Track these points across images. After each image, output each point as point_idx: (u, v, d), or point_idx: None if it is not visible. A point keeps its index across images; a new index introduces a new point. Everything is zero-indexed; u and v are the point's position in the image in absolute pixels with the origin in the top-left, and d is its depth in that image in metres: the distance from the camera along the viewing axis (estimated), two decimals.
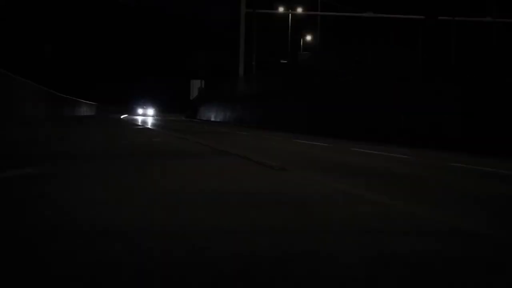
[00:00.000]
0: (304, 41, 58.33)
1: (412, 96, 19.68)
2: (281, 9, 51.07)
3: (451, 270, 3.13)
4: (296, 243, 3.62)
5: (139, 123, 34.50)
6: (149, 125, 31.55)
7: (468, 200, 6.21)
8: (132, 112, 75.36)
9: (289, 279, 2.85)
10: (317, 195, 5.80)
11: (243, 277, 2.85)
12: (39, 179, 6.42)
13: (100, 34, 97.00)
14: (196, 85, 70.18)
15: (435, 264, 3.21)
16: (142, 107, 75.96)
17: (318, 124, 26.51)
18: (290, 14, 51.54)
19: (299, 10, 51.21)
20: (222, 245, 3.47)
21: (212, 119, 50.37)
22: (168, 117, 65.48)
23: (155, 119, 51.24)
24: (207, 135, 21.37)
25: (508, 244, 3.96)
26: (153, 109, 75.63)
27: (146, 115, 70.92)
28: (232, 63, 52.18)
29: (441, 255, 3.41)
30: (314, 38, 54.79)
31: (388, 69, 22.79)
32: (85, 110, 59.15)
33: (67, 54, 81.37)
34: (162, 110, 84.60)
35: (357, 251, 3.42)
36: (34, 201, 4.93)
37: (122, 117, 55.25)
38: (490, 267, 3.22)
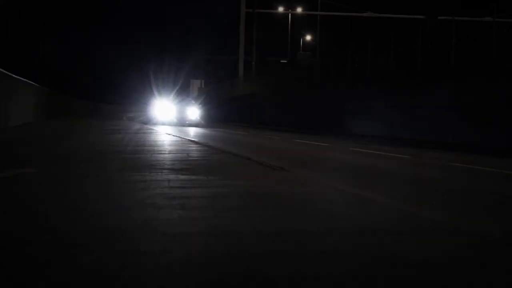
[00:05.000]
0: (304, 41, 58.31)
1: (411, 96, 19.67)
2: (281, 9, 51.05)
3: (451, 270, 3.12)
4: (295, 243, 3.61)
5: None
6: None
7: (468, 199, 6.20)
8: (152, 115, 36.20)
9: (289, 279, 2.84)
10: (316, 194, 5.79)
11: (243, 277, 2.84)
12: None
13: (100, 33, 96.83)
14: (196, 85, 70.00)
15: (435, 264, 3.20)
16: (178, 104, 35.57)
17: (318, 124, 26.51)
18: (290, 14, 51.52)
19: (299, 10, 51.20)
20: (221, 245, 3.46)
21: (213, 118, 50.33)
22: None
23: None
24: (207, 135, 21.34)
25: (508, 244, 3.95)
26: (197, 108, 36.44)
27: (186, 123, 33.60)
28: (232, 63, 52.11)
29: (441, 255, 3.41)
30: (314, 38, 54.76)
31: (388, 69, 22.78)
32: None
33: (67, 51, 78.33)
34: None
35: (357, 251, 3.42)
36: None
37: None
38: (490, 267, 3.21)
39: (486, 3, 29.29)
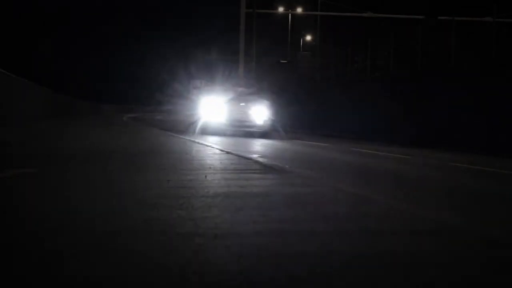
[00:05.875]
0: (304, 41, 58.31)
1: (410, 97, 19.68)
2: (281, 9, 51.06)
3: (451, 270, 3.12)
4: (295, 243, 3.61)
5: None
6: None
7: (467, 199, 6.20)
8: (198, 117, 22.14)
9: (288, 278, 2.85)
10: (317, 194, 5.79)
11: (244, 278, 2.84)
12: None
13: (100, 33, 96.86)
14: (196, 85, 69.83)
15: (435, 264, 3.21)
16: (233, 100, 20.88)
17: (318, 124, 26.53)
18: (290, 14, 51.53)
19: (299, 10, 51.20)
20: (221, 246, 3.47)
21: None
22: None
23: None
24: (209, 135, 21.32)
25: (508, 244, 3.96)
26: (267, 107, 21.17)
27: (246, 129, 20.70)
28: (231, 63, 52.07)
29: (441, 255, 3.41)
30: (314, 38, 54.77)
31: (387, 69, 22.80)
32: None
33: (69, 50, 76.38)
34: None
35: (356, 251, 3.42)
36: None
37: None
38: (489, 267, 3.22)
39: (486, 3, 29.32)
